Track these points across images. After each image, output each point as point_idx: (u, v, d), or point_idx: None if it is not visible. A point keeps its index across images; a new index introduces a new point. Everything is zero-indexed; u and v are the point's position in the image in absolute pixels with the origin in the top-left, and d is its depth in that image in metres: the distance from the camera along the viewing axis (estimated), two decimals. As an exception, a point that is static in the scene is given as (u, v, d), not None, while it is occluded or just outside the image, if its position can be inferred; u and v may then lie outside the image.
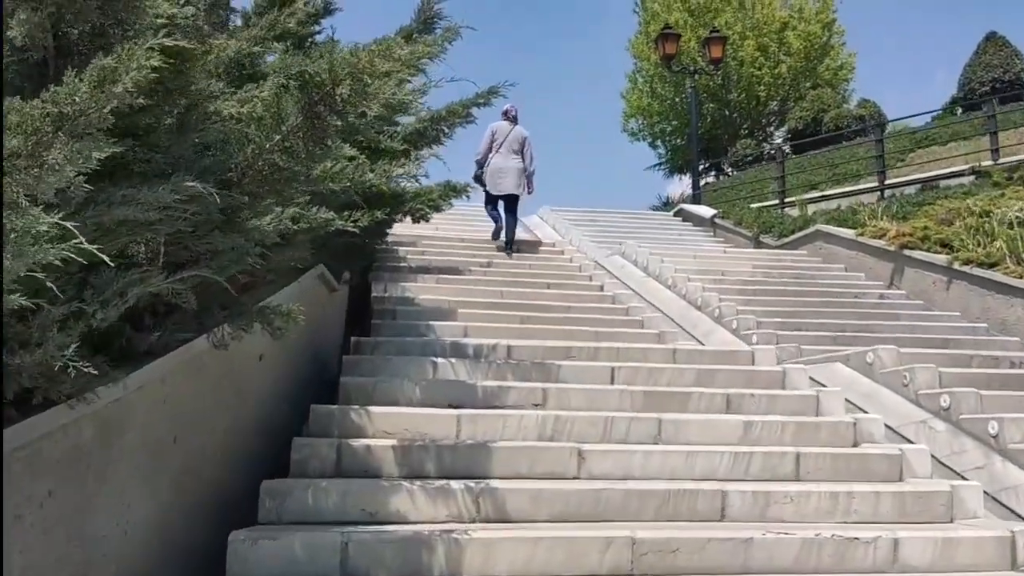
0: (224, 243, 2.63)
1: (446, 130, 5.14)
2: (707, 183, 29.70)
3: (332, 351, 6.08)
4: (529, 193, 10.20)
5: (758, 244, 12.63)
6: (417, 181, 7.21)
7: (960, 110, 23.05)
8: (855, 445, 4.79)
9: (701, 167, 31.05)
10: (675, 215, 15.51)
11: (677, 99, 26.72)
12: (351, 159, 3.89)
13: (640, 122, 28.34)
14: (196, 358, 3.05)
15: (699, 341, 8.04)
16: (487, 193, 10.14)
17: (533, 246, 10.96)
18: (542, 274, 9.21)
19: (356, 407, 4.28)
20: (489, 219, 10.74)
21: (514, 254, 10.10)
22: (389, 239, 9.61)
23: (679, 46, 17.50)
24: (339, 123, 2.62)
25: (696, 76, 18.07)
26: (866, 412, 5.69)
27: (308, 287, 5.06)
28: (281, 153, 2.60)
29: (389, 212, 6.12)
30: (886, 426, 5.48)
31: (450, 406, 4.63)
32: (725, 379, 5.45)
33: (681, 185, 30.20)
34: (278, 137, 2.58)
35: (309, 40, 5.56)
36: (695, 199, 16.50)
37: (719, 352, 6.10)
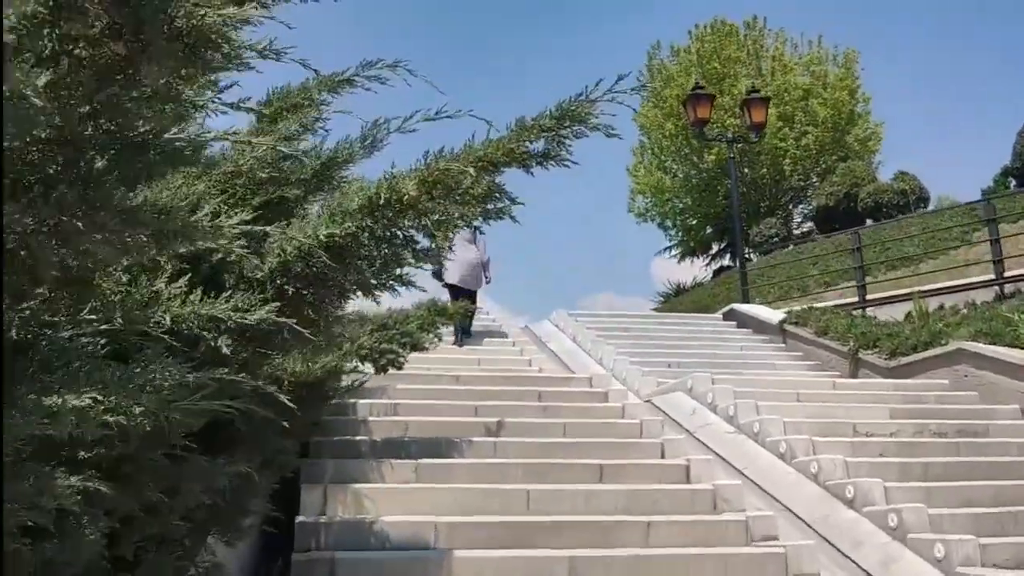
0: None
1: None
2: (722, 267, 26.72)
3: None
4: (487, 282, 10.15)
5: (856, 364, 9.24)
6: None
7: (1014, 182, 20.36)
8: None
9: (714, 250, 28.22)
10: (725, 318, 12.17)
11: (693, 172, 23.85)
12: None
13: (648, 200, 25.36)
14: None
15: (878, 582, 4.57)
16: (449, 287, 9.84)
17: (560, 385, 7.51)
18: (585, 445, 5.74)
19: None
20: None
21: (542, 403, 6.65)
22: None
23: (711, 109, 14.44)
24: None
25: (737, 144, 15.05)
26: None
27: None
28: None
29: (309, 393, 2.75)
30: None
31: None
32: None
33: (693, 269, 27.16)
34: None
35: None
36: (744, 295, 13.20)
37: None
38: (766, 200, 24.77)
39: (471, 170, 1.66)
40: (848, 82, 23.89)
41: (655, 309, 23.70)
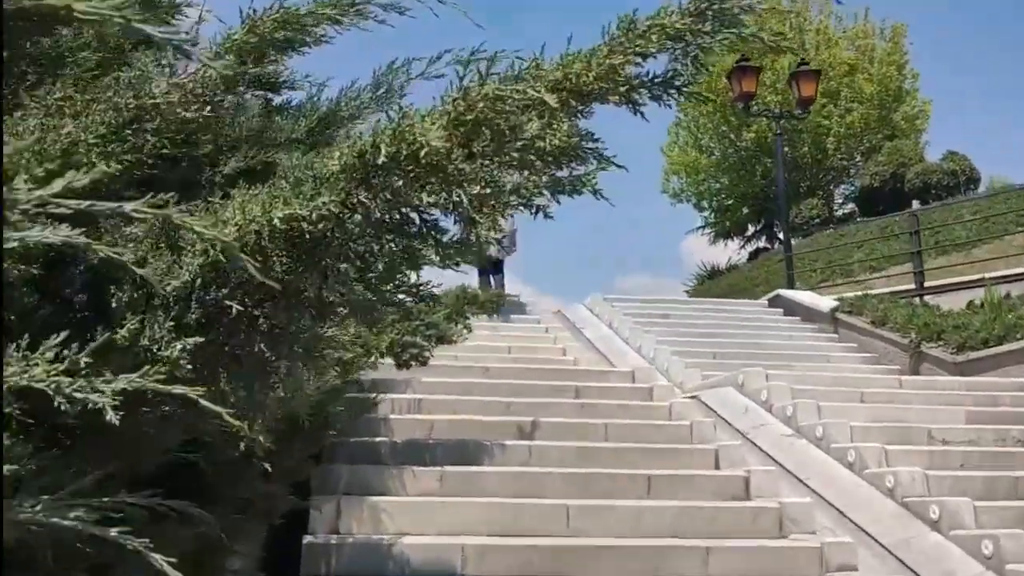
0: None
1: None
2: (758, 249, 25.80)
3: None
4: (513, 252, 10.56)
5: (918, 358, 8.52)
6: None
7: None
8: None
9: (750, 231, 27.25)
10: (771, 304, 11.45)
11: (730, 151, 22.95)
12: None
13: (683, 180, 24.51)
14: None
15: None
16: None
17: (599, 379, 6.89)
18: (630, 451, 5.14)
19: None
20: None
21: (579, 400, 6.06)
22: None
23: (758, 83, 13.63)
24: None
25: (780, 120, 14.24)
26: None
27: None
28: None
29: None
30: None
31: None
32: None
33: (726, 250, 26.27)
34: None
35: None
36: (789, 280, 12.45)
37: None
38: (807, 180, 23.79)
39: (551, 98, 1.00)
40: (896, 57, 22.81)
41: (688, 292, 22.95)
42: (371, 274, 1.20)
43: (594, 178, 1.25)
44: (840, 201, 25.10)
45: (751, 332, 9.84)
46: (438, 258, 1.27)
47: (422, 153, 1.00)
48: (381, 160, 1.02)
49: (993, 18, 41.60)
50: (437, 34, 1.93)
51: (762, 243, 26.06)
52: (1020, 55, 42.17)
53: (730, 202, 24.55)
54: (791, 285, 12.29)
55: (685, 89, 1.12)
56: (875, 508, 4.97)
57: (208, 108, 1.28)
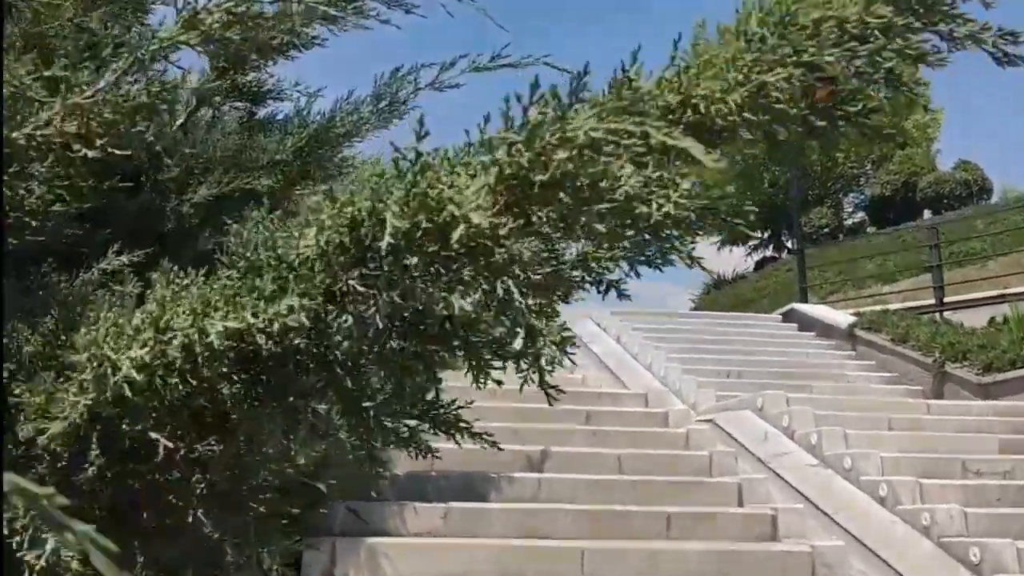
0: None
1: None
2: (764, 258, 25.44)
3: None
4: None
5: (942, 379, 8.17)
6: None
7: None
8: None
9: (757, 241, 26.86)
10: (784, 319, 11.09)
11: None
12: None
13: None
14: None
15: None
16: None
17: (611, 403, 6.55)
18: (646, 484, 4.80)
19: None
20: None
21: (590, 427, 5.72)
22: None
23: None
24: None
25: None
26: None
27: None
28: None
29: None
30: None
31: None
32: None
33: (731, 258, 25.95)
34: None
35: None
36: (802, 294, 12.10)
37: None
38: (815, 188, 23.49)
39: (699, 149, 0.62)
40: (907, 64, 22.52)
41: (693, 302, 22.65)
42: (367, 402, 0.84)
43: (692, 241, 0.89)
44: (850, 210, 24.80)
45: (765, 349, 9.50)
46: (475, 377, 0.92)
47: (455, 234, 0.62)
48: (387, 238, 0.65)
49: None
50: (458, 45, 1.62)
51: (769, 252, 25.75)
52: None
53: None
54: (804, 298, 11.94)
55: (866, 120, 0.78)
56: (910, 548, 4.64)
57: (121, 143, 0.94)
